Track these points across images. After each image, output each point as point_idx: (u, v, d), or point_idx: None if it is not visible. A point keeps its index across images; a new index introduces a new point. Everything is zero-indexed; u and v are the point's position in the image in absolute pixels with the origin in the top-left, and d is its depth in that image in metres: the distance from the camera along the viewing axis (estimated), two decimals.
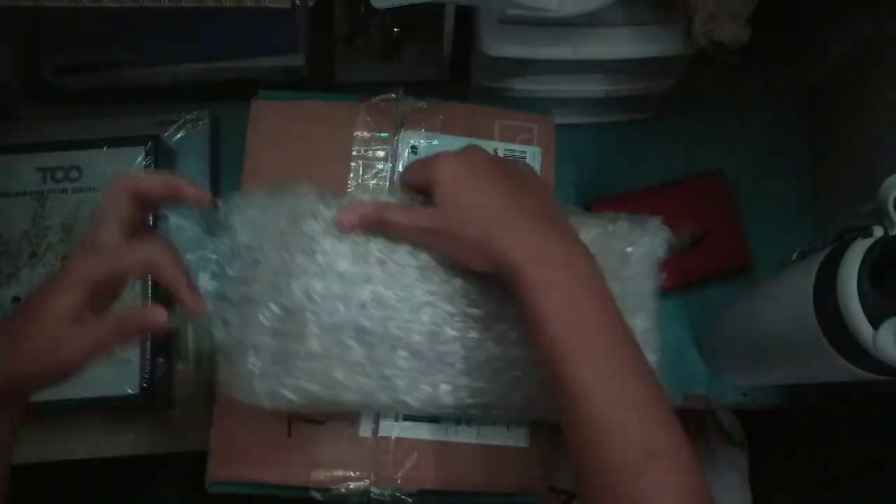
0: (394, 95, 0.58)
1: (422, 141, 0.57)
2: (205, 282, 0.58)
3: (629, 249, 0.50)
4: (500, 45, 0.57)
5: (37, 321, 0.40)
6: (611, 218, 0.52)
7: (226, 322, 0.46)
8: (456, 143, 0.58)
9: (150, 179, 0.43)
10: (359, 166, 0.56)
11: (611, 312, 0.41)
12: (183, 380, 0.61)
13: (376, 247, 0.48)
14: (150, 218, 0.56)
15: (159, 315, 0.42)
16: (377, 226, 0.47)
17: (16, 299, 0.58)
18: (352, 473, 0.52)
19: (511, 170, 0.47)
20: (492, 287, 0.48)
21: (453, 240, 0.45)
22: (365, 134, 0.57)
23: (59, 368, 0.40)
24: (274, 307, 0.46)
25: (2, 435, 0.42)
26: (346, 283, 0.47)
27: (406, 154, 0.57)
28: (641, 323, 0.50)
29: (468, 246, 0.44)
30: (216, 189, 0.66)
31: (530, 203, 0.44)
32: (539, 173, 0.57)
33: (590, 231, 0.51)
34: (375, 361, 0.47)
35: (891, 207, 0.44)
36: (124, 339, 0.42)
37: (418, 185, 0.49)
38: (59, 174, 0.61)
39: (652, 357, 0.50)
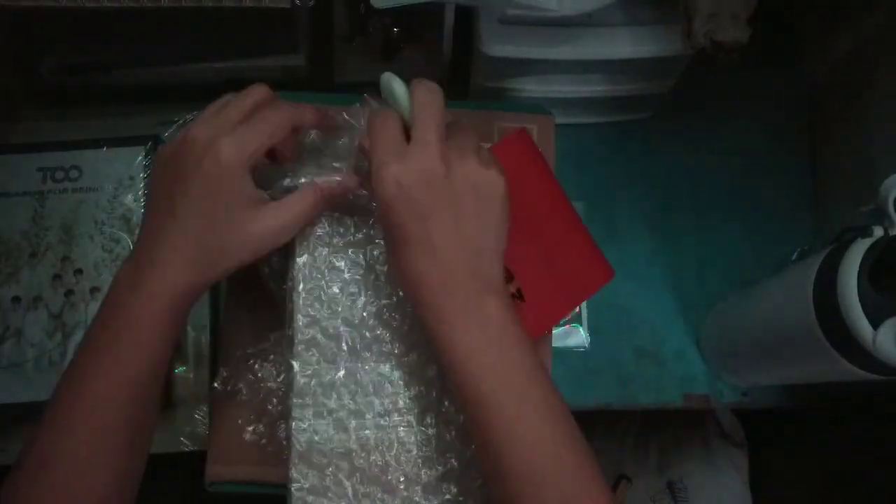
0: None
1: None
2: None
3: None
4: (500, 45, 0.57)
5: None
6: None
7: None
8: None
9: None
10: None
11: (526, 367, 0.41)
12: (183, 380, 0.61)
13: None
14: None
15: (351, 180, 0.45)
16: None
17: (16, 299, 0.58)
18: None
19: (462, 189, 0.41)
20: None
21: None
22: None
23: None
24: None
25: (173, 334, 0.43)
26: None
27: None
28: None
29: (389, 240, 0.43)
30: None
31: (469, 241, 0.41)
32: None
33: None
34: None
35: (891, 207, 0.44)
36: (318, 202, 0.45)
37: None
38: (59, 174, 0.61)
39: None
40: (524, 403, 0.40)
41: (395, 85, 0.44)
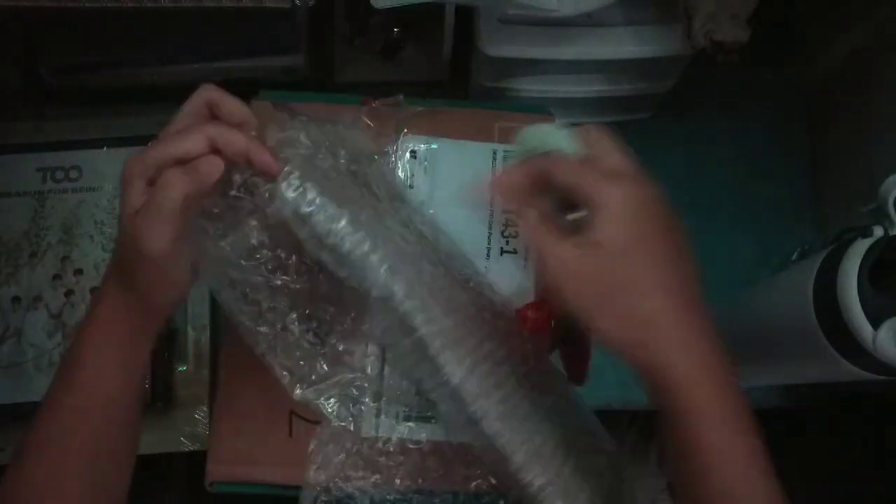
0: (393, 100, 0.58)
1: (422, 145, 0.57)
2: None
3: None
4: (500, 45, 0.57)
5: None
6: None
7: None
8: (455, 146, 0.58)
9: (233, 103, 0.39)
10: None
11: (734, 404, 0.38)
12: (183, 380, 0.61)
13: None
14: None
15: (215, 165, 0.37)
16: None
17: (16, 299, 0.58)
18: (353, 473, 0.52)
19: (673, 222, 0.40)
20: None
21: (588, 293, 0.37)
22: None
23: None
24: None
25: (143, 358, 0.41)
26: None
27: (406, 158, 0.58)
28: None
29: (605, 315, 0.38)
30: None
31: (686, 280, 0.38)
32: None
33: None
34: None
35: (891, 207, 0.44)
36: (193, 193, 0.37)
37: (567, 187, 0.38)
38: (59, 174, 0.61)
39: None
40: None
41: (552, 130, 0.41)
